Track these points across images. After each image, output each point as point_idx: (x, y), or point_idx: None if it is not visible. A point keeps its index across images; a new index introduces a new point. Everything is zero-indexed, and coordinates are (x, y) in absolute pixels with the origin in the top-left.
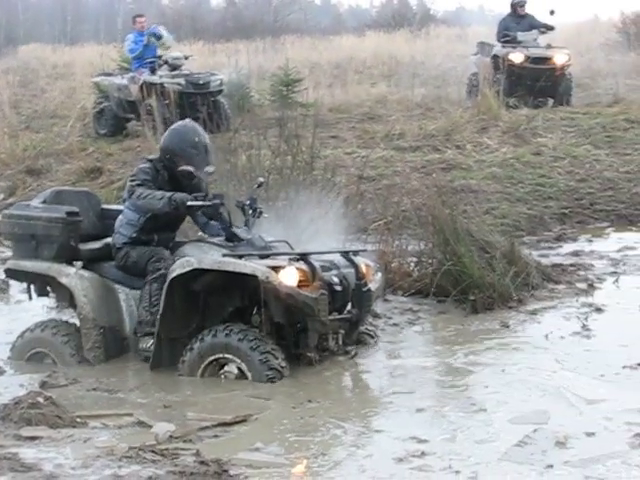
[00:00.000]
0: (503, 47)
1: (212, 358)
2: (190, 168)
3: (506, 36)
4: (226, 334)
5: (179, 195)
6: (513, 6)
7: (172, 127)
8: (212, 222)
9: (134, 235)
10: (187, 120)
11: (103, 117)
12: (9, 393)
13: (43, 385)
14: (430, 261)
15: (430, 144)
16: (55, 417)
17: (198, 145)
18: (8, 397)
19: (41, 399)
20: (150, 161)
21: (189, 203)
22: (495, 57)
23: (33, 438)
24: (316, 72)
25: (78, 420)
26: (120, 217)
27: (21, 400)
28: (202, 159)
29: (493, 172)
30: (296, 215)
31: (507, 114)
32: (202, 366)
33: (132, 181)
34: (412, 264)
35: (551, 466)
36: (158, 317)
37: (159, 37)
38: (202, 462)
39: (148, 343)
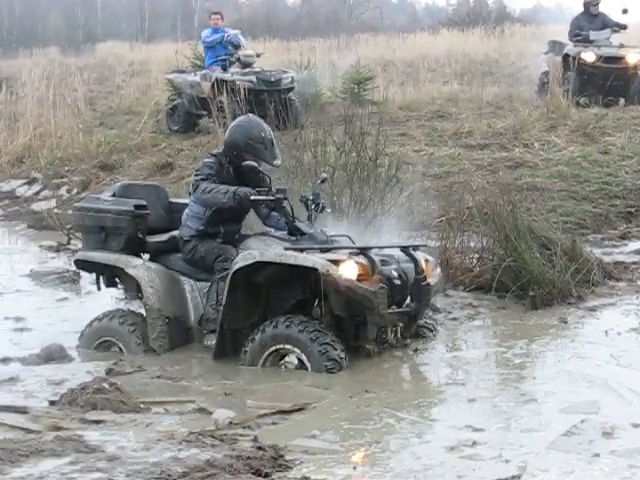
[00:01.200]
0: (575, 46)
1: (273, 349)
2: (254, 163)
3: (578, 35)
4: (287, 325)
5: (243, 189)
6: (586, 5)
7: (236, 122)
8: (273, 213)
9: (201, 228)
10: (250, 115)
11: (176, 113)
12: (76, 379)
13: (109, 372)
14: (491, 257)
15: (498, 142)
16: (119, 402)
17: (264, 139)
18: (75, 383)
19: (106, 385)
20: (214, 156)
21: (252, 197)
22: (566, 56)
23: (97, 422)
24: (389, 70)
25: (141, 406)
26: (186, 211)
27: (87, 385)
28: (268, 153)
29: (560, 170)
30: (360, 210)
31: (576, 113)
32: (263, 356)
33: (197, 175)
34: (474, 260)
35: (597, 455)
36: (221, 308)
37: (237, 46)
38: (259, 447)
39: (214, 340)
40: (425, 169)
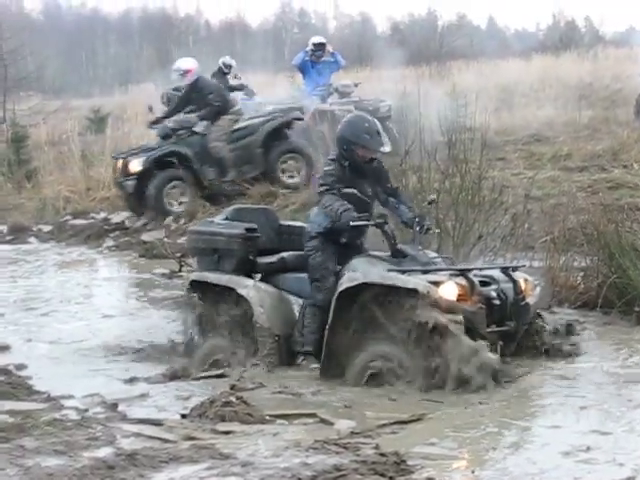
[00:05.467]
0: None
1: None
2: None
3: None
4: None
5: (346, 215)
6: None
7: (343, 120)
8: (391, 199)
9: (328, 226)
10: (356, 111)
11: None
12: (203, 395)
13: (232, 388)
14: (595, 274)
15: (597, 164)
16: (246, 415)
17: (369, 130)
18: (202, 398)
19: (233, 398)
20: (333, 160)
21: (352, 224)
22: None
23: (228, 432)
24: (482, 96)
25: (267, 418)
26: (315, 208)
27: (216, 399)
28: (374, 141)
29: None
30: (465, 232)
31: None
32: (366, 375)
33: (322, 185)
34: (578, 278)
35: None
36: (327, 328)
37: (339, 67)
38: (382, 454)
39: (299, 359)
40: (526, 191)
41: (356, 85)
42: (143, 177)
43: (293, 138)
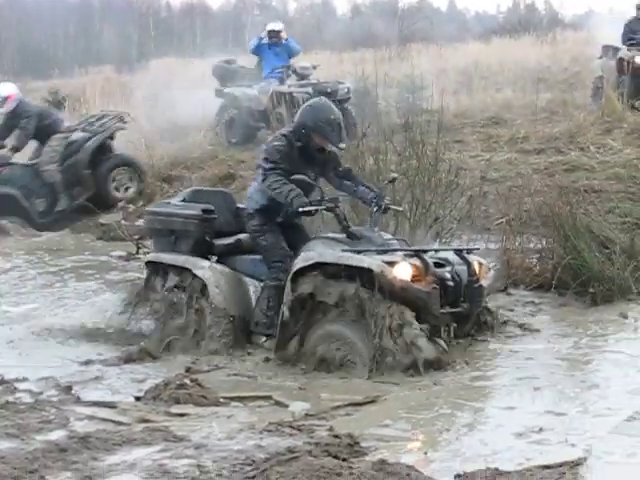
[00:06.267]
0: (629, 50)
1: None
2: (323, 144)
3: (632, 39)
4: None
5: (297, 201)
6: (639, 9)
7: (308, 103)
8: (346, 182)
9: (265, 203)
10: (323, 97)
11: (234, 126)
12: (157, 377)
13: (188, 370)
14: (551, 256)
15: (554, 147)
16: (200, 397)
17: (332, 122)
18: (156, 380)
19: (188, 381)
20: (285, 136)
21: (300, 209)
22: (620, 60)
23: (182, 414)
24: (442, 79)
25: (221, 400)
26: (254, 183)
27: (170, 381)
28: (335, 135)
29: (616, 172)
30: (421, 215)
31: (632, 116)
32: (319, 356)
33: (265, 159)
34: (534, 260)
35: None
36: (285, 308)
37: (294, 52)
38: (335, 436)
39: (261, 340)
40: (483, 174)
41: (314, 67)
42: None
43: (118, 150)
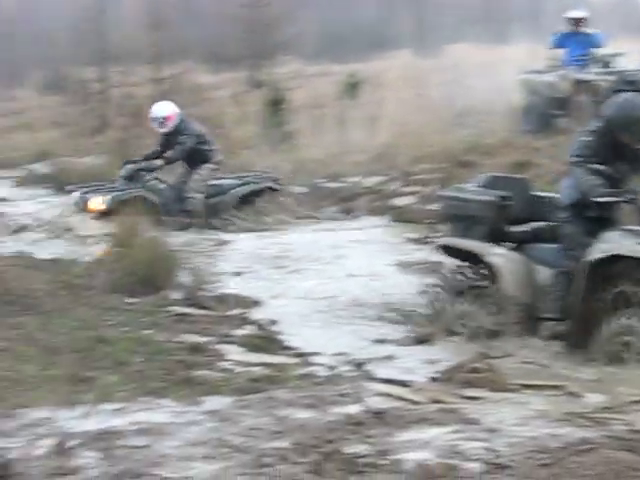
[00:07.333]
0: None
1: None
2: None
3: None
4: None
5: (595, 190)
6: None
7: (620, 98)
8: None
9: (577, 197)
10: (634, 94)
11: (530, 114)
12: (449, 360)
13: (481, 355)
14: None
15: None
16: (491, 382)
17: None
18: (448, 363)
19: (482, 365)
20: (593, 132)
21: (598, 199)
22: None
23: (474, 398)
24: None
25: (513, 387)
26: (566, 179)
27: (464, 364)
28: None
29: None
30: None
31: None
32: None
33: (574, 156)
34: None
35: None
36: (580, 298)
37: (597, 46)
38: (634, 431)
39: (551, 328)
40: None
41: (620, 55)
42: None
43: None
